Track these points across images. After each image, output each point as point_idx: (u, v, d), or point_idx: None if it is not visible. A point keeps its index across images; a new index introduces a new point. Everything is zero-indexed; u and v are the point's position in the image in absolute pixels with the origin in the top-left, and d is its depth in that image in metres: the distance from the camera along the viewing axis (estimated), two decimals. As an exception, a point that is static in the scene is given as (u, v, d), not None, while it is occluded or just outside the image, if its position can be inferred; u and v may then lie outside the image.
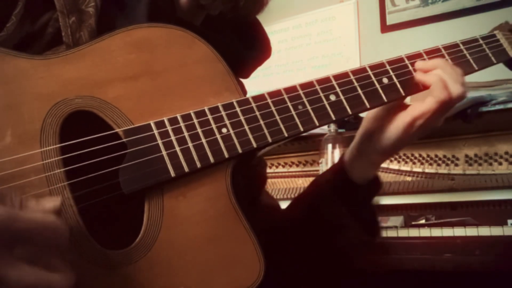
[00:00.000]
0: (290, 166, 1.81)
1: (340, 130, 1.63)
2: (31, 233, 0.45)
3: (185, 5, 0.82)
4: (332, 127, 1.62)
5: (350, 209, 0.86)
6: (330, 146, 1.60)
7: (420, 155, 1.58)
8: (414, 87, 0.80)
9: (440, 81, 0.77)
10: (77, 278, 0.48)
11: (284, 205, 1.01)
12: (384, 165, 1.61)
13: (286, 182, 1.79)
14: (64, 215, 0.55)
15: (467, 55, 0.84)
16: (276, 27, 2.50)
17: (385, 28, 2.30)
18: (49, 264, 0.47)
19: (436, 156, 1.56)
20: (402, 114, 0.78)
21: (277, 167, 1.83)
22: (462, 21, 2.10)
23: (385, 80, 0.78)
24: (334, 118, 0.73)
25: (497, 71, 1.54)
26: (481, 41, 0.87)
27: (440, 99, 0.76)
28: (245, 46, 0.89)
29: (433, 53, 0.83)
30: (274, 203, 0.99)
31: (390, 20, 2.29)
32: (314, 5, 2.49)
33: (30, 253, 0.46)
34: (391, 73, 0.79)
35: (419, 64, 0.80)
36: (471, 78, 1.64)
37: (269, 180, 1.79)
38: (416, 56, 0.82)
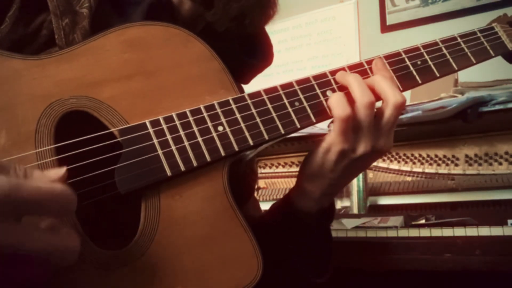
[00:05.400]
0: (290, 166, 1.80)
1: (340, 130, 1.62)
2: (38, 201, 0.45)
3: (187, 14, 0.81)
4: (332, 127, 1.62)
5: (297, 245, 0.82)
6: (330, 146, 1.60)
7: (420, 155, 1.58)
8: (408, 83, 0.78)
9: (335, 98, 0.70)
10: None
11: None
12: (384, 165, 1.61)
13: (286, 182, 1.79)
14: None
15: (465, 48, 0.83)
16: (276, 27, 2.48)
17: (385, 28, 2.30)
18: (60, 229, 0.47)
19: (436, 156, 1.55)
20: (322, 141, 0.73)
21: (277, 167, 1.82)
22: (462, 21, 2.10)
23: None
24: (331, 114, 0.72)
25: (497, 71, 1.55)
26: (479, 34, 0.86)
27: (337, 116, 0.70)
28: (245, 54, 0.88)
29: (430, 46, 0.82)
30: (254, 216, 0.96)
31: (390, 20, 2.29)
32: (314, 5, 2.49)
33: (40, 220, 0.46)
34: (388, 68, 0.78)
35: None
36: (471, 78, 1.65)
37: (269, 180, 1.80)
38: (413, 50, 0.81)
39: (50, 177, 0.49)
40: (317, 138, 1.65)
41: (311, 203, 0.79)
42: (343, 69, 0.75)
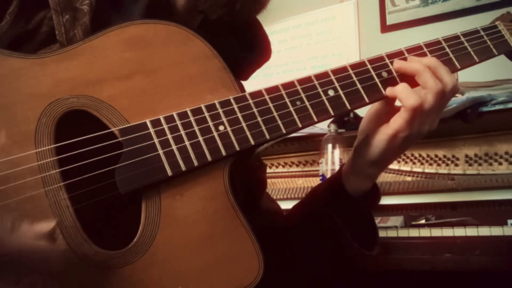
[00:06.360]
0: (290, 166, 1.80)
1: (340, 130, 1.63)
2: (18, 258, 0.44)
3: (182, 9, 0.81)
4: (332, 127, 1.62)
5: (345, 221, 0.85)
6: (330, 146, 1.60)
7: (420, 155, 1.57)
8: (413, 81, 0.78)
9: (404, 89, 0.75)
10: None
11: (284, 205, 1.01)
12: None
13: (286, 182, 1.79)
14: (61, 218, 0.55)
15: (468, 47, 0.83)
16: (276, 27, 2.50)
17: (385, 28, 2.30)
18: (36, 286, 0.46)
19: (436, 156, 1.55)
20: (385, 127, 0.77)
21: (277, 167, 1.82)
22: (462, 21, 2.10)
23: (384, 74, 0.77)
24: (333, 114, 0.72)
25: (497, 71, 1.54)
26: (482, 33, 0.85)
27: (410, 106, 0.73)
28: (244, 49, 0.88)
29: (432, 45, 0.82)
30: (275, 207, 0.98)
31: (390, 20, 2.28)
32: (314, 5, 2.49)
33: (16, 276, 0.45)
34: (391, 67, 0.78)
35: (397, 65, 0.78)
36: (471, 78, 1.65)
37: (269, 180, 1.79)
38: (415, 49, 0.81)
39: (37, 232, 0.47)
40: (317, 138, 1.65)
41: (370, 183, 0.85)
42: (344, 68, 0.75)
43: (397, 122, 0.75)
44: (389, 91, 0.76)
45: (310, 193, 0.94)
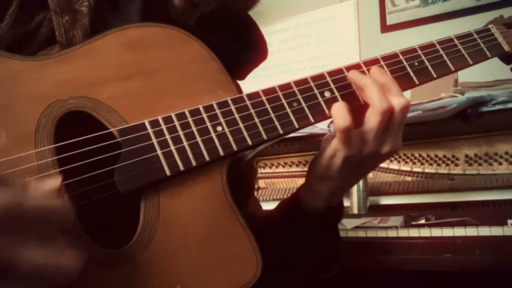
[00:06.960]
0: (290, 166, 1.80)
1: (340, 130, 1.62)
2: (37, 216, 0.44)
3: (179, 5, 0.82)
4: (332, 127, 1.61)
5: (298, 237, 0.83)
6: (330, 146, 1.60)
7: (420, 155, 1.58)
8: (406, 84, 0.78)
9: (336, 108, 0.70)
10: (86, 257, 0.47)
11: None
12: (384, 165, 1.60)
13: (286, 182, 1.79)
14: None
15: (462, 49, 0.83)
16: (276, 27, 2.50)
17: (385, 28, 2.30)
18: (57, 245, 0.46)
19: (436, 156, 1.55)
20: (331, 143, 0.74)
21: (277, 167, 1.82)
22: (462, 21, 2.11)
23: None
24: (329, 115, 0.73)
25: (497, 71, 1.54)
26: (475, 36, 0.86)
27: (338, 127, 0.70)
28: (241, 48, 0.89)
29: (427, 48, 0.82)
30: (257, 213, 0.97)
31: (390, 20, 2.29)
32: (314, 5, 2.50)
33: (37, 236, 0.45)
34: (386, 69, 0.78)
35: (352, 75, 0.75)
36: (471, 78, 1.65)
37: (269, 180, 1.80)
38: (410, 51, 0.81)
39: (46, 190, 0.47)
40: (317, 138, 1.65)
41: (320, 202, 0.79)
42: (340, 70, 0.76)
43: (335, 140, 0.72)
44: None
45: (276, 209, 0.91)
